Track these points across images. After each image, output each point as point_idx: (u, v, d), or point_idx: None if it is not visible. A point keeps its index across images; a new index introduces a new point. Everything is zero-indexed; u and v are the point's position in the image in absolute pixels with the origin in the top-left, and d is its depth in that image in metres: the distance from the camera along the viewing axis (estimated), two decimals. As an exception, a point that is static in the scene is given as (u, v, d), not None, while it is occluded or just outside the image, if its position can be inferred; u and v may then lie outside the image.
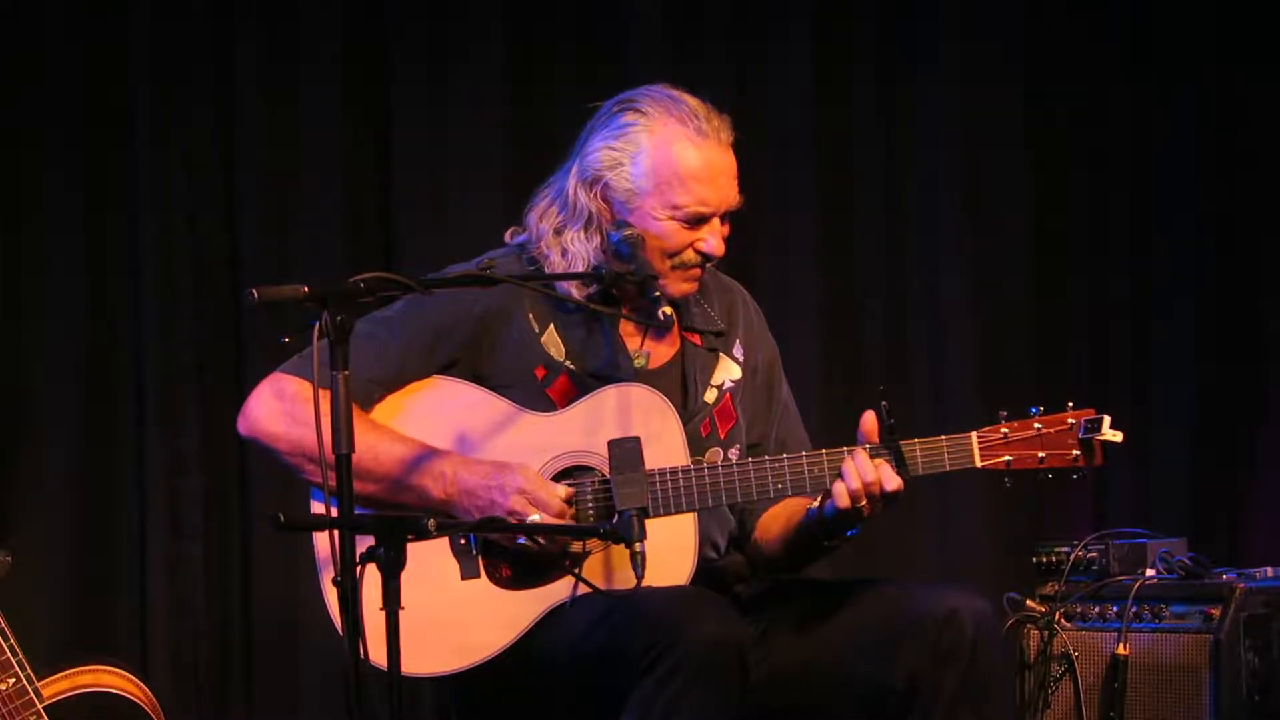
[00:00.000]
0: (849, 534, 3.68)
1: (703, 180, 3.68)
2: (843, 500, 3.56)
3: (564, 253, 3.74)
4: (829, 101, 5.70)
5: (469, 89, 5.38)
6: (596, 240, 3.73)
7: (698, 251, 3.72)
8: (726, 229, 3.75)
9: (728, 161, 3.71)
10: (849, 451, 3.59)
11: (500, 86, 5.41)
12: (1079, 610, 4.56)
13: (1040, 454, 3.65)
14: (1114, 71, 5.82)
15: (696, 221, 3.70)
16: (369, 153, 5.34)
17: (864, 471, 3.55)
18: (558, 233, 3.76)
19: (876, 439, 3.61)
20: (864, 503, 3.56)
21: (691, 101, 3.73)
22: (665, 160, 3.69)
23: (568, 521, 3.59)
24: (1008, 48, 5.78)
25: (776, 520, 3.82)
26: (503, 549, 3.63)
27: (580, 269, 3.73)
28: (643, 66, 5.33)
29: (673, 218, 3.69)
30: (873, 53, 5.74)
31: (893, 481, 3.56)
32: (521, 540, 3.58)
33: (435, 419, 3.69)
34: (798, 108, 5.67)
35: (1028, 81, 5.79)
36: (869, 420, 3.62)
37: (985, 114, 5.77)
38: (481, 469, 3.61)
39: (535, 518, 3.56)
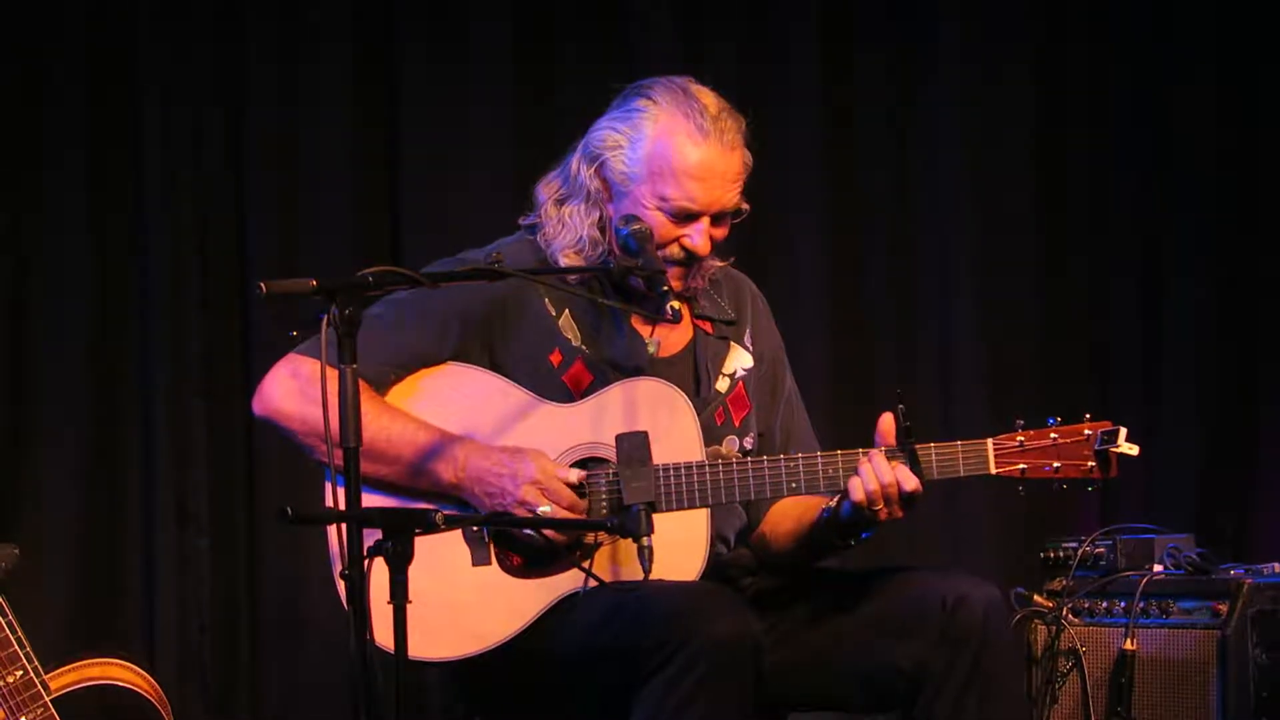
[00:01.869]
0: (864, 536, 3.69)
1: (694, 177, 3.68)
2: (858, 494, 3.56)
3: (561, 225, 3.77)
4: (835, 104, 5.70)
5: (476, 85, 5.39)
6: (595, 215, 3.75)
7: (683, 248, 3.72)
8: (722, 231, 3.75)
9: (726, 164, 3.70)
10: (865, 453, 3.59)
11: (507, 83, 5.42)
12: (1086, 605, 4.56)
13: (1055, 463, 3.66)
14: (1119, 71, 5.82)
15: (683, 217, 3.70)
16: (376, 147, 5.35)
17: (881, 473, 3.55)
18: (558, 204, 3.79)
19: (893, 440, 3.61)
20: (880, 505, 3.56)
21: (705, 99, 3.73)
22: (661, 151, 3.69)
23: (578, 514, 3.59)
24: (1014, 49, 5.77)
25: (788, 517, 3.82)
26: (514, 537, 3.63)
27: (569, 240, 3.75)
28: (648, 65, 5.32)
29: (660, 209, 3.70)
30: (879, 55, 5.74)
31: (910, 482, 3.56)
32: (529, 531, 3.58)
33: (452, 406, 3.69)
34: (804, 109, 5.67)
35: (1034, 82, 5.79)
36: (886, 422, 3.61)
37: (992, 116, 5.76)
38: (495, 455, 3.61)
39: (545, 509, 3.56)
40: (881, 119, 5.75)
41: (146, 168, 5.15)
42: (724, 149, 3.70)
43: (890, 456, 3.59)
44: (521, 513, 3.57)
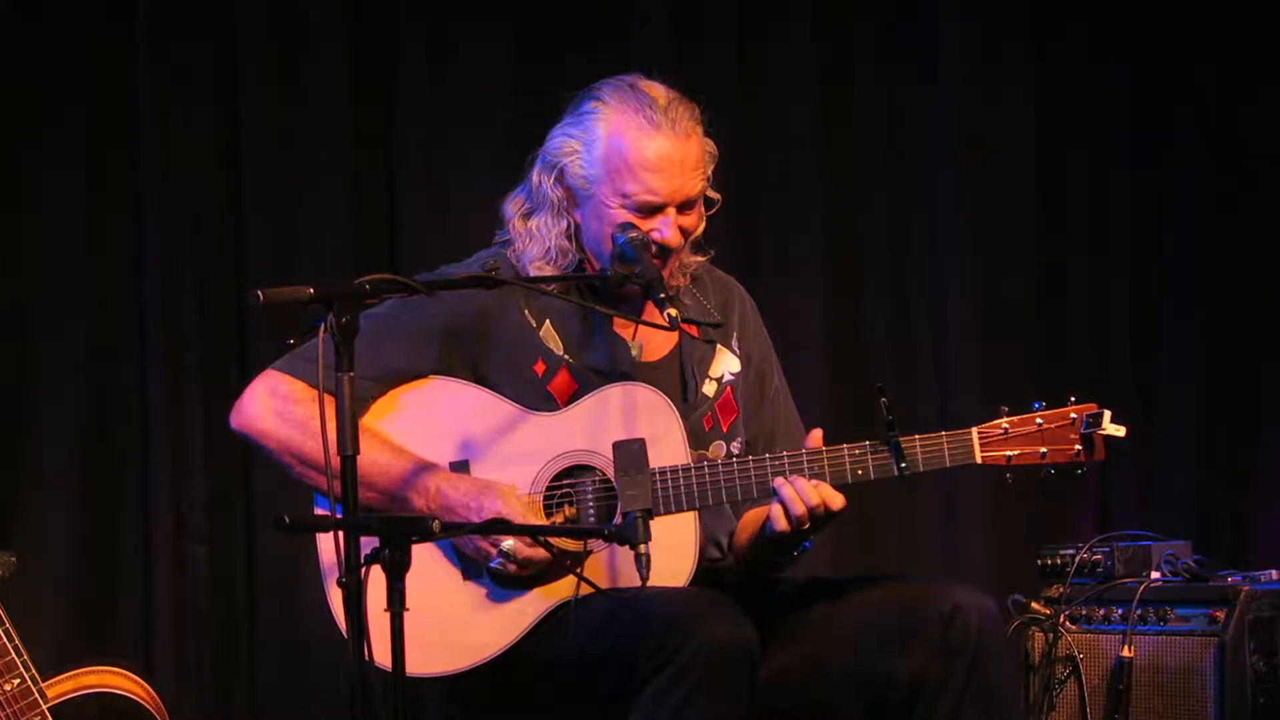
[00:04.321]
0: (805, 546, 3.70)
1: (651, 170, 3.69)
2: (781, 525, 3.58)
3: (530, 238, 3.79)
4: (831, 101, 5.70)
5: (472, 89, 5.39)
6: (562, 225, 3.77)
7: (653, 242, 3.71)
8: (691, 220, 3.75)
9: (682, 151, 3.70)
10: (784, 479, 3.58)
11: (503, 86, 5.42)
12: (1084, 613, 4.56)
13: (1042, 449, 3.65)
14: (1118, 71, 5.82)
15: (648, 211, 3.71)
16: (373, 153, 5.34)
17: (807, 497, 3.56)
18: (524, 218, 3.81)
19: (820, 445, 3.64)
20: (808, 525, 3.58)
21: (654, 91, 3.74)
22: (616, 148, 3.70)
23: (539, 556, 3.57)
24: (1010, 47, 5.78)
25: (749, 526, 3.83)
26: (481, 565, 3.63)
27: (538, 252, 3.76)
28: (648, 67, 5.33)
29: (624, 206, 3.71)
30: (875, 52, 5.74)
31: (837, 500, 3.59)
32: (495, 564, 3.58)
33: (439, 421, 3.70)
34: (800, 107, 5.67)
35: (1030, 81, 5.79)
36: (816, 438, 3.65)
37: (988, 112, 5.76)
38: (464, 486, 3.62)
39: (509, 543, 3.56)
40: (880, 119, 5.75)
41: (144, 171, 5.14)
42: (677, 137, 3.70)
43: (874, 450, 3.60)
44: (484, 545, 3.57)
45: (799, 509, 3.56)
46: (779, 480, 3.58)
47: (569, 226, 3.78)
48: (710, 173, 3.78)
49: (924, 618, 3.57)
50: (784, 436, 3.86)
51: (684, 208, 3.72)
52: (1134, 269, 5.83)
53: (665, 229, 3.71)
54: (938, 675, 3.55)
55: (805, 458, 3.63)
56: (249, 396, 3.72)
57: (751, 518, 3.81)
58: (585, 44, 5.48)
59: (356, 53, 5.32)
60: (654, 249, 3.69)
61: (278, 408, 3.68)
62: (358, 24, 5.32)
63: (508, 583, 3.63)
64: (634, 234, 3.69)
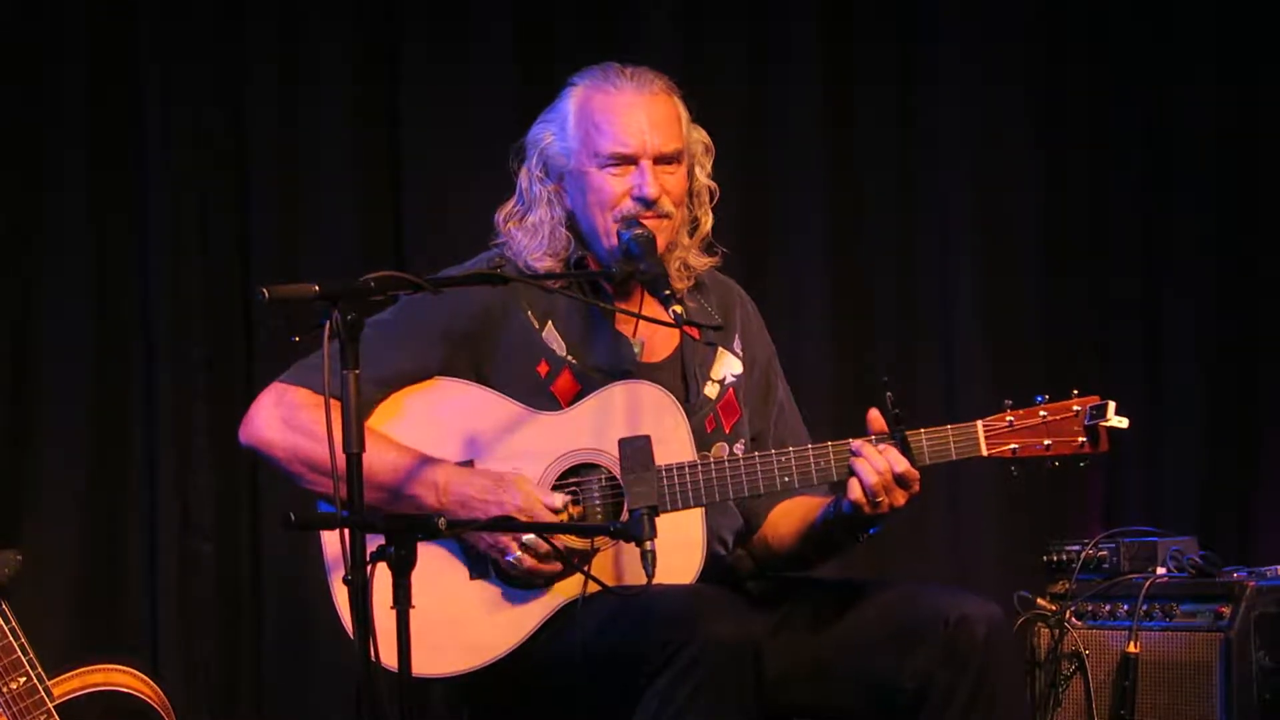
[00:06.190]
0: (871, 531, 3.68)
1: (614, 122, 3.72)
2: (855, 493, 3.56)
3: (528, 235, 3.80)
4: (836, 104, 5.69)
5: (477, 86, 5.39)
6: (559, 214, 3.79)
7: (635, 199, 3.72)
8: (674, 182, 3.75)
9: (648, 105, 3.74)
10: (855, 450, 3.58)
11: (508, 85, 5.41)
12: (1090, 608, 4.56)
13: (1046, 441, 3.65)
14: (1119, 70, 5.81)
15: (621, 162, 3.72)
16: (378, 149, 5.35)
17: (876, 464, 3.55)
18: (520, 219, 3.82)
19: (884, 429, 3.62)
20: (881, 497, 3.56)
21: (619, 66, 3.79)
22: (584, 113, 3.75)
23: (576, 523, 3.59)
24: (1014, 48, 5.77)
25: (790, 517, 3.82)
26: (496, 563, 3.63)
27: (536, 245, 3.77)
28: (650, 65, 5.34)
29: (600, 167, 3.73)
30: (879, 55, 5.74)
31: (900, 464, 3.56)
32: (511, 558, 3.57)
33: (444, 422, 3.69)
34: (804, 109, 5.67)
35: (1036, 79, 5.78)
36: (874, 415, 3.63)
37: (993, 115, 5.76)
38: (478, 481, 3.61)
39: (530, 535, 3.55)
40: (882, 118, 5.74)
41: (147, 169, 5.14)
42: (640, 90, 3.74)
43: (879, 443, 3.59)
44: (506, 541, 3.57)
45: (873, 478, 3.55)
46: (855, 460, 3.57)
47: (565, 215, 3.79)
48: (701, 156, 3.81)
49: (932, 625, 3.57)
50: (791, 443, 3.86)
51: (662, 163, 3.73)
52: (1140, 266, 5.82)
53: (645, 186, 3.71)
54: (944, 685, 3.55)
55: (811, 453, 3.63)
56: (255, 410, 3.72)
57: (794, 504, 3.81)
58: (589, 41, 5.48)
59: (360, 50, 5.32)
60: (649, 234, 3.69)
61: (283, 414, 3.67)
62: (362, 23, 5.33)
63: (515, 582, 3.63)
64: (638, 231, 3.70)
